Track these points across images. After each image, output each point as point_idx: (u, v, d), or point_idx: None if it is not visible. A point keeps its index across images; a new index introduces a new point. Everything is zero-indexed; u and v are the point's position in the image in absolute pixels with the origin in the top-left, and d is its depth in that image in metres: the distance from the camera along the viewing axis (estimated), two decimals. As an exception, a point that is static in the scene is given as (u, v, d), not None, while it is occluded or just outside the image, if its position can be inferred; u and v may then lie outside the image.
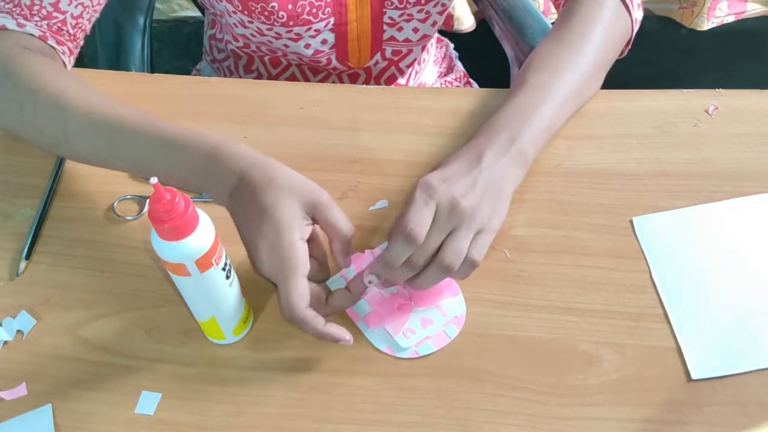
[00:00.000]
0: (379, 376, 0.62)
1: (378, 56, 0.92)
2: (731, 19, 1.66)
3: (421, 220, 0.60)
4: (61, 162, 0.76)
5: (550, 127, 0.70)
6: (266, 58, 0.93)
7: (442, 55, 1.07)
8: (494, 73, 1.04)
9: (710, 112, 0.77)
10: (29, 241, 0.71)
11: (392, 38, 0.90)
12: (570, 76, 0.71)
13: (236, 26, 0.86)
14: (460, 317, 0.64)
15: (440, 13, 0.89)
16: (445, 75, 1.07)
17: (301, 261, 0.58)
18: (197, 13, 1.68)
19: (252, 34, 0.86)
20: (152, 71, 1.03)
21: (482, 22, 1.58)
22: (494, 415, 0.60)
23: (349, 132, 0.78)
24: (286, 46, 0.87)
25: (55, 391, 0.62)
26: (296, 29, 0.83)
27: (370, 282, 0.61)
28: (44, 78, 0.68)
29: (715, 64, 1.77)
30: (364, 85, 0.96)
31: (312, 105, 0.80)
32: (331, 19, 0.84)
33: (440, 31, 1.11)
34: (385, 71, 0.95)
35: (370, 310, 0.65)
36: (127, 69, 1.00)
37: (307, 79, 0.94)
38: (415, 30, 0.90)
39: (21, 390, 0.62)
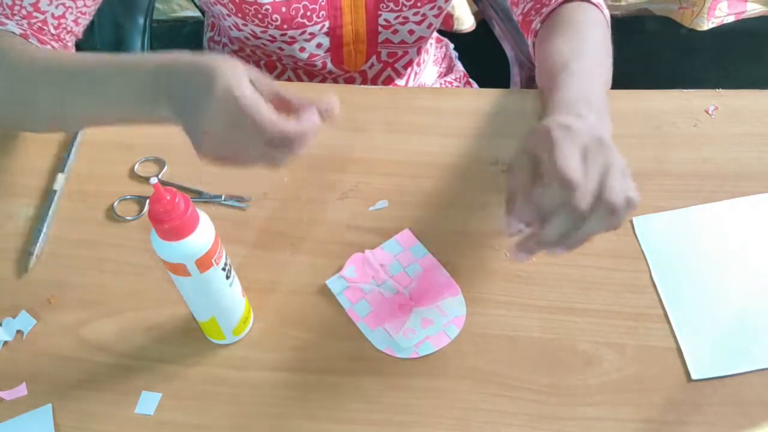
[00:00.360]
0: (379, 376, 0.62)
1: (373, 59, 0.91)
2: (731, 19, 1.65)
3: (576, 161, 0.53)
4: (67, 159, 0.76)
5: (605, 105, 0.64)
6: (261, 63, 0.93)
7: (442, 55, 1.07)
8: (494, 73, 1.04)
9: (710, 112, 0.77)
10: (41, 237, 0.71)
11: (387, 40, 0.90)
12: (601, 61, 0.69)
13: (231, 29, 0.86)
14: (460, 317, 0.64)
15: (436, 16, 0.89)
16: (445, 75, 1.07)
17: (243, 72, 0.55)
18: (197, 13, 1.68)
19: (246, 38, 0.86)
20: (152, 71, 1.03)
21: (482, 22, 1.57)
22: (494, 415, 0.60)
23: (349, 132, 0.78)
24: (281, 49, 0.87)
25: (55, 391, 0.62)
26: (290, 32, 0.83)
27: (520, 229, 0.53)
28: (19, 48, 0.68)
29: (715, 64, 1.77)
30: (364, 85, 0.96)
31: (312, 105, 0.80)
32: (326, 23, 0.84)
33: (440, 31, 1.11)
34: (381, 73, 0.95)
35: (370, 310, 0.65)
36: (127, 69, 1.00)
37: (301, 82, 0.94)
38: (411, 32, 0.90)
39: (21, 390, 0.62)
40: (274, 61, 0.91)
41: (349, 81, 0.94)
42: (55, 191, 0.74)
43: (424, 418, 0.60)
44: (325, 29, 0.85)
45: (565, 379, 0.61)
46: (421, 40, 0.92)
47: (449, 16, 1.59)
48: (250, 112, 0.53)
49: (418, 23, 0.89)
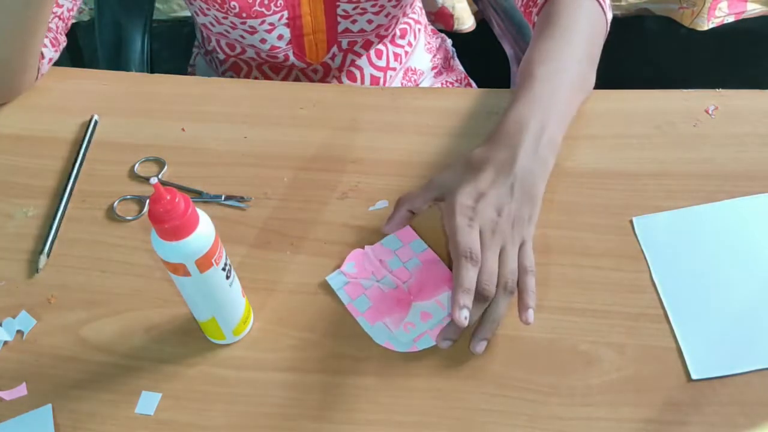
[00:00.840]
0: (379, 376, 0.62)
1: (335, 48, 0.92)
2: (731, 19, 1.65)
3: (473, 242, 0.61)
4: (79, 160, 0.76)
5: (568, 112, 0.71)
6: (229, 62, 0.93)
7: (437, 45, 1.06)
8: (494, 73, 1.04)
9: (710, 112, 0.77)
10: (51, 237, 0.71)
11: (347, 30, 0.90)
12: (573, 66, 0.72)
13: (197, 15, 0.87)
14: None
15: (395, 6, 0.89)
16: (444, 72, 1.07)
17: None
18: (197, 13, 1.68)
19: (211, 23, 0.87)
20: (152, 71, 1.03)
21: (482, 22, 1.57)
22: (494, 415, 0.60)
23: (349, 132, 0.78)
24: (242, 37, 0.87)
25: (55, 391, 0.62)
26: (250, 21, 0.83)
27: (465, 318, 0.60)
28: None
29: (715, 64, 1.77)
30: (364, 85, 0.96)
31: (312, 105, 0.80)
32: (285, 12, 0.84)
33: (441, 30, 1.11)
34: (344, 62, 0.95)
35: (369, 305, 0.65)
36: (127, 69, 1.00)
37: (268, 78, 0.94)
38: (369, 21, 0.90)
39: (21, 390, 0.62)
40: (240, 64, 0.92)
41: (313, 74, 0.94)
42: (66, 191, 0.74)
43: (424, 418, 0.60)
44: (284, 20, 0.85)
45: (565, 379, 0.61)
46: (380, 27, 0.92)
47: (449, 16, 1.59)
48: None
49: (376, 13, 0.89)
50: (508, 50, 1.06)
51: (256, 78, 0.94)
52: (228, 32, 0.87)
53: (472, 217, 0.62)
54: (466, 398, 0.60)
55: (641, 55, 1.65)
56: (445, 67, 1.08)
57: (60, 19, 0.76)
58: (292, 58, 0.90)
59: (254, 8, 0.82)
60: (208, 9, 0.83)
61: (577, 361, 0.62)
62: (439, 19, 1.59)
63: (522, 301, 0.61)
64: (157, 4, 1.69)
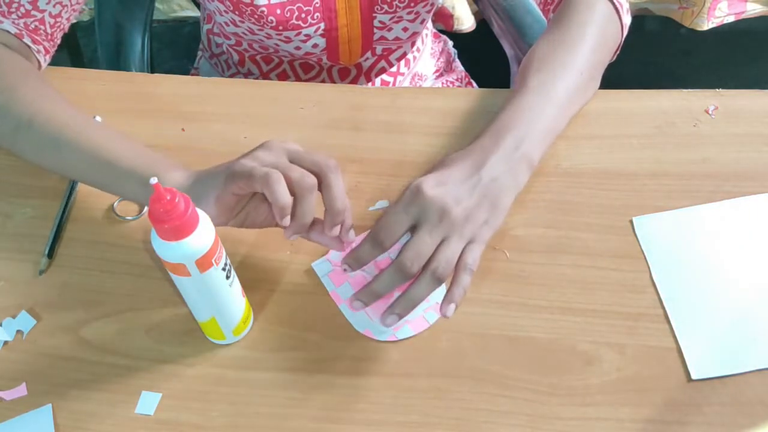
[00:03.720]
0: (379, 376, 0.62)
1: (368, 54, 0.92)
2: (731, 19, 1.65)
3: (394, 224, 0.61)
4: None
5: (555, 128, 0.70)
6: (258, 57, 0.93)
7: (440, 50, 1.07)
8: (494, 73, 1.04)
9: (710, 112, 0.77)
10: (51, 239, 0.71)
11: (382, 38, 0.90)
12: (570, 77, 0.71)
13: (228, 25, 0.87)
14: (440, 303, 0.64)
15: (429, 12, 0.90)
16: (445, 72, 1.07)
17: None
18: (197, 13, 1.68)
19: (244, 33, 0.87)
20: (152, 71, 1.03)
21: (482, 22, 1.58)
22: (494, 415, 0.60)
23: (349, 132, 0.78)
24: (277, 45, 0.87)
25: (55, 391, 0.62)
26: (286, 33, 0.83)
27: (345, 269, 0.61)
28: (3, 70, 0.70)
29: (715, 64, 1.77)
30: (364, 85, 0.96)
31: (312, 105, 0.80)
32: (321, 24, 0.84)
33: (440, 30, 1.11)
34: (375, 65, 0.95)
35: (352, 292, 0.65)
36: (127, 69, 1.00)
37: (297, 75, 0.95)
38: (405, 29, 0.91)
39: (21, 390, 0.62)
40: (270, 55, 0.92)
41: (344, 72, 0.94)
42: (71, 192, 0.74)
43: (424, 418, 0.60)
44: (320, 31, 0.85)
45: (565, 379, 0.61)
46: (415, 35, 0.93)
47: (449, 16, 1.59)
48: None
49: (412, 21, 0.89)
50: (508, 50, 1.06)
51: (285, 72, 0.94)
52: (262, 40, 0.87)
53: (415, 200, 0.61)
54: (466, 398, 0.60)
55: (641, 55, 1.65)
56: (447, 69, 1.08)
57: (60, 29, 0.76)
58: (325, 60, 0.90)
59: (291, 21, 0.82)
60: (242, 22, 0.83)
61: (577, 361, 0.62)
62: (439, 19, 1.59)
63: (448, 293, 0.61)
64: (157, 4, 1.69)
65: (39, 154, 0.69)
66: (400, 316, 0.61)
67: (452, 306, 0.60)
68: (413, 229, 0.62)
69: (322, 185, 0.60)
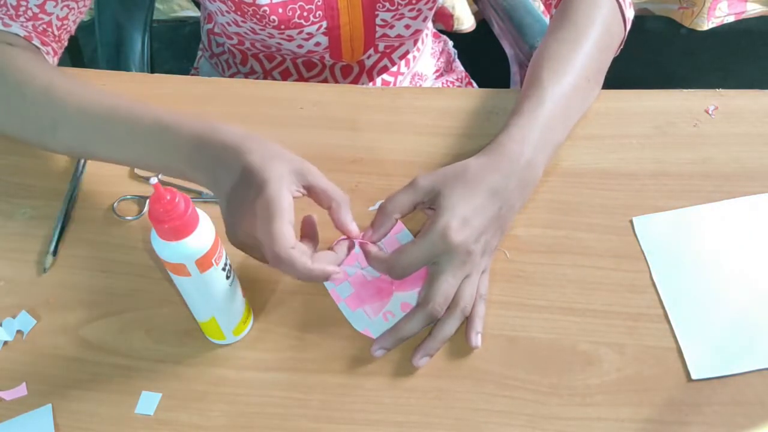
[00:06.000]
0: (379, 376, 0.62)
1: (371, 51, 0.92)
2: (731, 19, 1.66)
3: (414, 265, 0.61)
4: (83, 163, 0.76)
5: (562, 141, 0.70)
6: (260, 55, 0.93)
7: (440, 49, 1.07)
8: (494, 73, 1.04)
9: (710, 112, 0.77)
10: (56, 237, 0.71)
11: (384, 35, 0.91)
12: (581, 84, 0.71)
13: (229, 25, 0.87)
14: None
15: (430, 9, 0.90)
16: (445, 72, 1.07)
17: (287, 208, 0.57)
18: (197, 13, 1.68)
19: (246, 33, 0.87)
20: (152, 71, 1.03)
21: (482, 22, 1.58)
22: (494, 415, 0.60)
23: (349, 132, 0.78)
24: (279, 44, 0.87)
25: (55, 391, 0.62)
26: (288, 32, 0.83)
27: (378, 355, 0.62)
28: (32, 70, 0.70)
29: (715, 64, 1.77)
30: (364, 85, 0.96)
31: (312, 105, 0.80)
32: (323, 23, 0.84)
33: (440, 30, 1.11)
34: (378, 63, 0.95)
35: (351, 291, 0.65)
36: (127, 69, 1.00)
37: (300, 73, 0.95)
38: (407, 26, 0.91)
39: (21, 390, 0.62)
40: (273, 53, 0.92)
41: (347, 69, 0.94)
42: (72, 193, 0.74)
43: (424, 418, 0.60)
44: (323, 29, 0.85)
45: (565, 379, 0.61)
46: (418, 32, 0.93)
47: (449, 16, 1.59)
48: (285, 261, 0.56)
49: (414, 18, 0.89)
50: (508, 50, 1.06)
51: (287, 70, 0.94)
52: (264, 40, 0.87)
53: (449, 252, 0.61)
54: (466, 398, 0.60)
55: (641, 55, 1.65)
56: (447, 69, 1.08)
57: (67, 31, 0.76)
58: (327, 58, 0.91)
59: (293, 20, 0.82)
60: (244, 21, 0.83)
61: (577, 361, 0.62)
62: (439, 19, 1.59)
63: (471, 324, 0.63)
64: (157, 4, 1.69)
65: (88, 140, 0.68)
66: (431, 357, 0.62)
67: (479, 336, 0.62)
68: (432, 262, 0.62)
69: (333, 219, 0.63)
